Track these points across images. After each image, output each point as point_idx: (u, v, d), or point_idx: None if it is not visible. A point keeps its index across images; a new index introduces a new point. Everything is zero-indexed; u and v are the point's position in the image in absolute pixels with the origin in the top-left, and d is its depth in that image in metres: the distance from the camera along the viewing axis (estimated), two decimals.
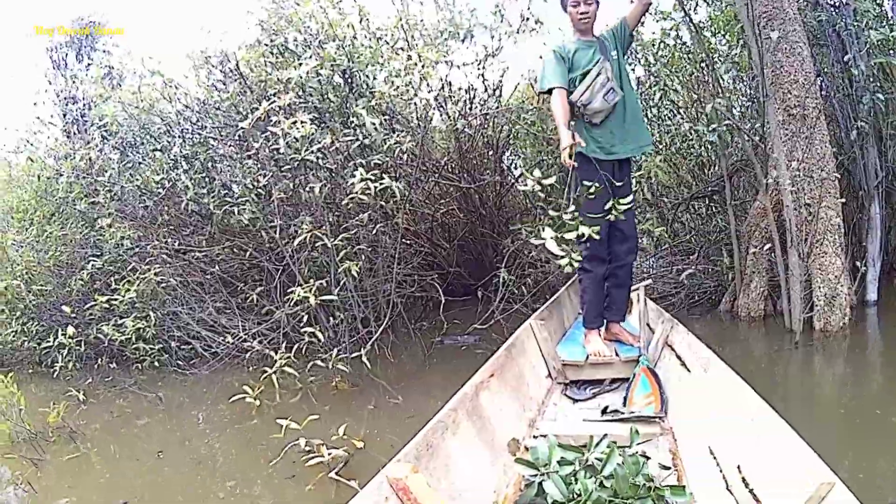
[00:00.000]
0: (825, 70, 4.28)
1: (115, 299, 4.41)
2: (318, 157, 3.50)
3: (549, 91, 2.82)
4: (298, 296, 3.51)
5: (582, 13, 2.86)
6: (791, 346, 3.63)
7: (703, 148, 4.25)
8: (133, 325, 4.41)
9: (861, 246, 4.36)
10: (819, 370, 3.50)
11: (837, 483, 1.28)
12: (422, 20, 4.31)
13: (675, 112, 4.64)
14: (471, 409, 2.08)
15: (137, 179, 4.69)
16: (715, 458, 1.80)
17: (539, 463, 1.66)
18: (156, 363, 4.58)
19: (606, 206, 2.81)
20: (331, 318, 3.80)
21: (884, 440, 2.44)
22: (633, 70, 4.53)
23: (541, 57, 3.10)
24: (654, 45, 4.60)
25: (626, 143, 2.93)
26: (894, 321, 4.09)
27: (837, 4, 4.23)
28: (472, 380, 2.25)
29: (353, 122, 3.57)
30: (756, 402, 1.83)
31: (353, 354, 3.60)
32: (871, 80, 4.07)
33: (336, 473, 2.54)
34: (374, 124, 3.35)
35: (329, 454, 2.58)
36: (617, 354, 2.89)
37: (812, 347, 3.65)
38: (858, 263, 3.99)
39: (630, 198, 2.94)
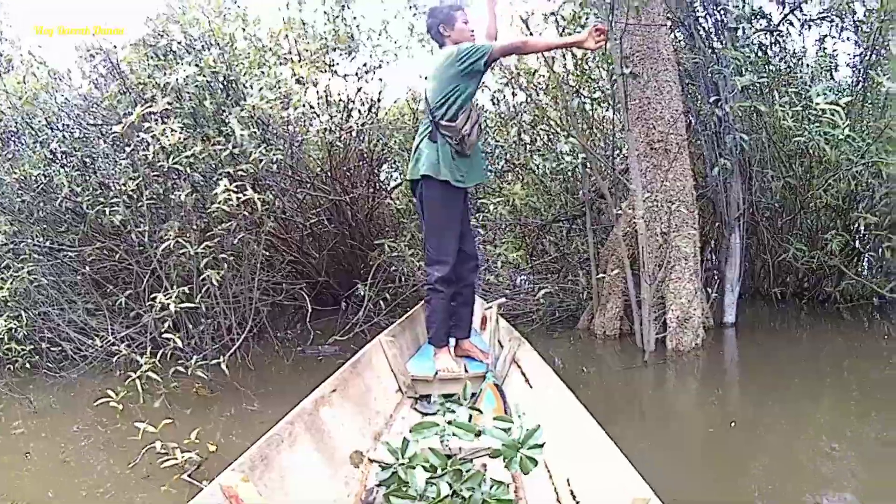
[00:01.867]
0: (698, 108, 4.56)
1: None
2: (186, 165, 3.46)
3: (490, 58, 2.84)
4: (159, 303, 3.46)
5: (472, 30, 3.01)
6: (641, 364, 3.83)
7: (568, 174, 4.44)
8: (5, 325, 4.23)
9: (721, 272, 4.65)
10: (664, 386, 3.72)
11: (653, 499, 1.34)
12: (312, 26, 4.31)
13: (549, 138, 4.83)
14: (309, 422, 2.09)
15: (16, 172, 4.50)
16: (549, 472, 1.90)
17: (398, 452, 1.67)
18: (27, 365, 4.41)
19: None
20: (195, 325, 3.76)
21: (713, 455, 2.64)
22: (514, 95, 4.70)
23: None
24: (532, 73, 4.78)
25: (481, 174, 3.12)
26: (748, 341, 4.38)
27: (714, 49, 4.50)
28: (312, 394, 2.26)
29: (225, 130, 3.55)
30: (587, 419, 1.94)
31: (214, 362, 3.61)
32: (738, 121, 4.35)
33: (189, 476, 2.59)
34: (243, 136, 3.34)
35: (182, 457, 2.63)
36: (466, 370, 2.98)
37: (663, 365, 3.87)
38: (711, 292, 4.24)
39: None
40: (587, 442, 1.84)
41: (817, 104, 3.36)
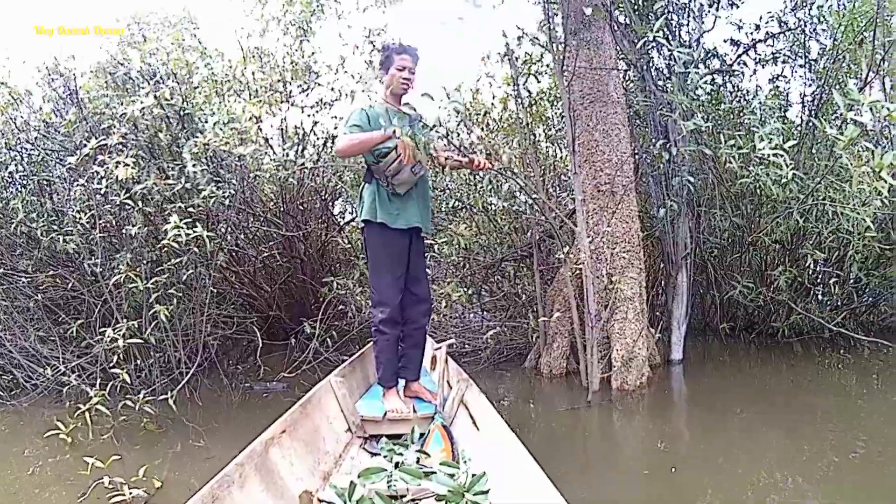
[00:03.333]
0: (647, 149, 4.69)
1: None
2: (139, 199, 3.49)
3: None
4: (108, 337, 3.48)
5: (405, 79, 2.93)
6: (585, 404, 3.92)
7: (515, 215, 4.54)
8: None
9: (668, 310, 4.78)
10: (608, 426, 3.77)
11: None
12: (272, 56, 4.35)
13: (499, 176, 4.89)
14: (259, 463, 2.13)
15: None
16: None
17: (344, 494, 1.71)
18: None
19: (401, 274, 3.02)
20: (145, 358, 3.77)
21: (656, 498, 2.68)
22: (469, 133, 4.78)
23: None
24: (484, 114, 4.88)
25: (423, 215, 3.08)
26: (694, 378, 4.48)
27: (664, 90, 4.63)
28: (262, 436, 2.29)
29: (179, 164, 3.58)
30: (531, 465, 1.99)
31: (162, 397, 3.63)
32: (687, 163, 4.49)
33: None
34: (195, 172, 3.38)
35: (130, 493, 2.69)
36: (415, 411, 3.01)
37: (608, 405, 3.95)
38: (652, 330, 4.34)
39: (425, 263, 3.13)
40: (530, 487, 1.89)
41: (761, 149, 3.48)
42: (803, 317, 5.10)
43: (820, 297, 5.56)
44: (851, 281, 5.26)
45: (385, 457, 2.59)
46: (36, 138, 4.49)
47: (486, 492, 1.59)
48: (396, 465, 1.77)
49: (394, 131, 2.59)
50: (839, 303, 5.38)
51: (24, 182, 4.39)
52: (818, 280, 5.44)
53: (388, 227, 2.94)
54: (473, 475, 1.63)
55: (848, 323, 5.05)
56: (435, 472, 1.69)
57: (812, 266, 5.33)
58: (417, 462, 2.26)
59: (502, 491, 1.88)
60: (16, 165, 4.33)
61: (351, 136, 2.78)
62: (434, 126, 2.92)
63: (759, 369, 4.75)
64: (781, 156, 3.57)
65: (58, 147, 4.37)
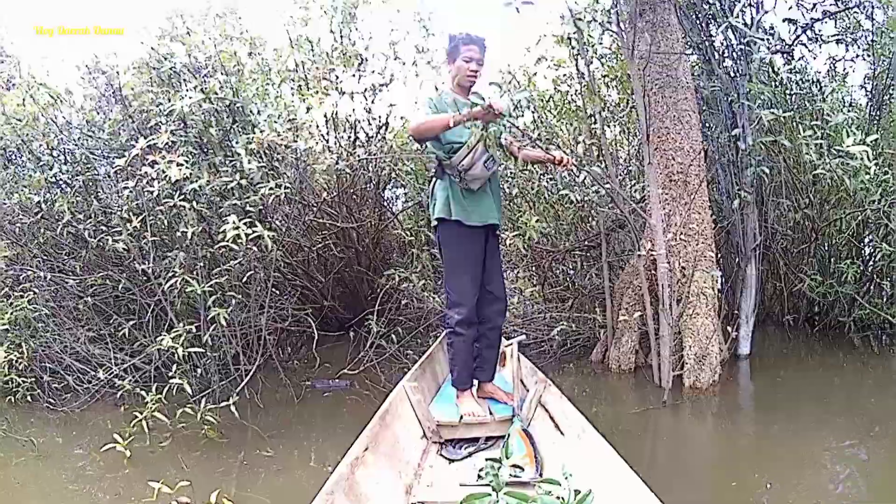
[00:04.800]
0: (714, 137, 4.46)
1: None
2: (191, 199, 3.35)
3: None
4: (166, 344, 3.37)
5: (472, 71, 2.81)
6: (659, 405, 3.74)
7: (583, 203, 4.35)
8: (6, 356, 4.12)
9: (737, 303, 4.57)
10: (687, 430, 3.61)
11: None
12: (318, 44, 4.19)
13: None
14: (347, 488, 2.04)
15: (15, 196, 4.38)
16: None
17: None
18: (28, 397, 4.29)
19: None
20: (199, 357, 3.66)
21: None
22: (522, 117, 4.59)
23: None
24: (544, 95, 4.67)
25: (498, 211, 2.95)
26: (764, 375, 4.30)
27: (733, 75, 4.40)
28: (347, 456, 2.19)
29: (232, 160, 3.44)
30: (625, 472, 1.88)
31: (223, 404, 3.50)
32: (757, 153, 4.27)
33: None
34: (251, 169, 3.23)
35: None
36: (491, 413, 2.90)
37: (681, 405, 3.77)
38: (728, 328, 4.16)
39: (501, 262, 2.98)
40: (627, 497, 1.77)
41: (847, 146, 3.28)
42: (867, 311, 4.88)
43: (884, 291, 5.33)
44: None
45: (485, 478, 2.46)
46: (79, 138, 4.39)
47: None
48: (506, 493, 1.61)
49: (466, 118, 2.44)
50: None
51: (70, 182, 4.29)
52: (884, 273, 5.20)
53: (463, 225, 2.81)
54: (577, 492, 1.49)
55: None
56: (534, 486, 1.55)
57: (878, 259, 5.10)
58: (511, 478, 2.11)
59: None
60: (59, 166, 4.23)
61: (427, 116, 2.66)
62: (505, 116, 2.74)
63: (821, 365, 4.54)
64: (864, 150, 3.37)
65: (102, 146, 4.25)
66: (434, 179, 2.93)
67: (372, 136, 4.76)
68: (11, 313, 4.13)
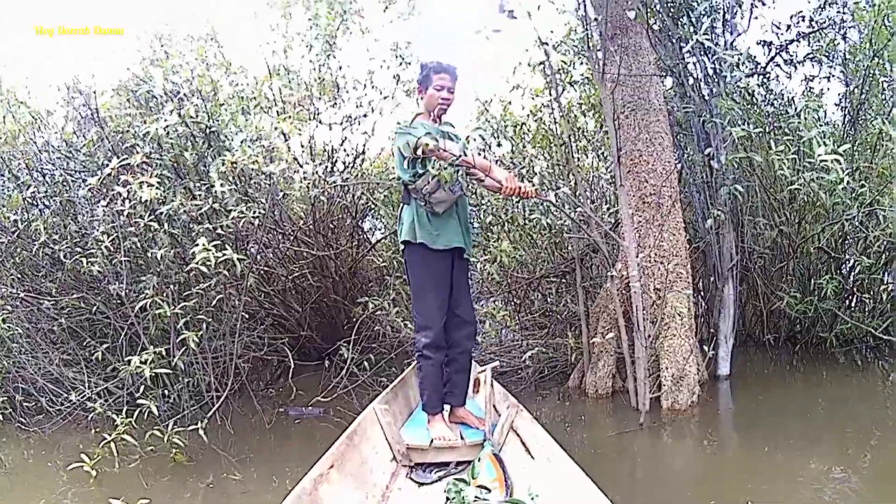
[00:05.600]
0: (688, 158, 4.50)
1: None
2: (165, 220, 3.35)
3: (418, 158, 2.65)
4: (134, 366, 3.34)
5: (444, 99, 2.86)
6: (637, 427, 3.71)
7: (556, 229, 4.36)
8: None
9: (715, 323, 4.56)
10: (666, 451, 3.58)
11: None
12: (297, 73, 4.24)
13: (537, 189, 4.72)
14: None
15: None
16: None
17: None
18: (0, 416, 4.25)
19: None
20: (173, 383, 3.62)
21: None
22: (499, 146, 4.63)
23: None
24: (518, 125, 4.71)
25: (464, 235, 2.95)
26: (744, 395, 4.27)
27: (705, 95, 4.45)
28: (310, 473, 2.15)
29: (206, 184, 3.45)
30: (596, 495, 1.84)
31: (192, 427, 3.47)
32: (732, 171, 4.29)
33: None
34: (223, 192, 3.24)
35: None
36: (462, 437, 2.88)
37: (660, 426, 3.75)
38: (706, 347, 4.14)
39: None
40: None
41: (819, 155, 3.30)
42: (848, 325, 4.87)
43: (864, 304, 5.33)
44: None
45: (451, 499, 2.43)
46: (57, 158, 4.39)
47: None
48: None
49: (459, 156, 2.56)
50: (887, 309, 5.14)
51: (47, 203, 4.29)
52: (865, 286, 5.21)
53: (428, 248, 2.82)
54: None
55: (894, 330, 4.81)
56: None
57: (857, 273, 5.12)
58: (476, 500, 2.08)
59: None
60: (37, 186, 4.24)
61: (438, 144, 2.64)
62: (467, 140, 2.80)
63: (803, 383, 4.52)
64: (837, 161, 3.39)
65: (80, 167, 4.26)
66: (402, 204, 2.95)
67: (348, 165, 4.78)
68: None
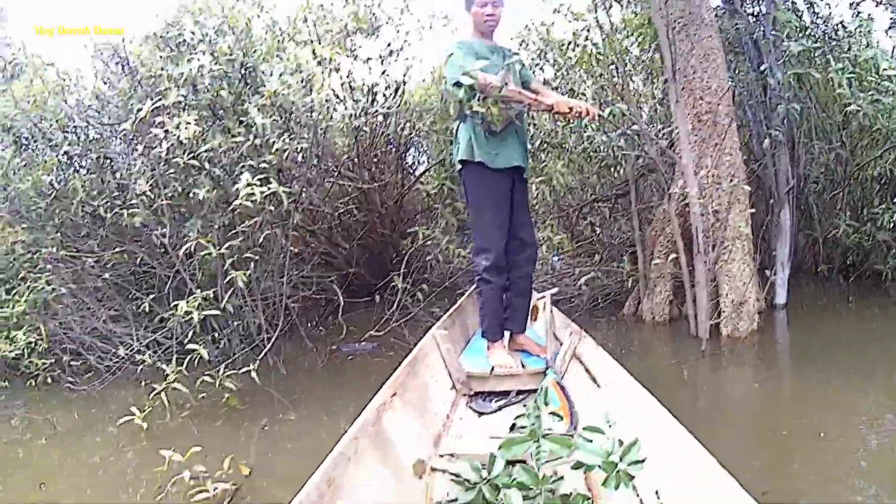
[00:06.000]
0: (740, 78, 4.28)
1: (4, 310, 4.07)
2: (205, 160, 3.26)
3: (461, 85, 2.54)
4: (181, 311, 3.27)
5: (489, 15, 2.75)
6: (698, 355, 3.59)
7: (609, 150, 4.19)
8: (25, 339, 4.08)
9: (771, 250, 4.39)
10: (728, 380, 3.46)
11: None
12: (330, 11, 4.09)
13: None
14: (373, 434, 1.93)
15: (29, 180, 4.33)
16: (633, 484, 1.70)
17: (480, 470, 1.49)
18: (48, 379, 4.25)
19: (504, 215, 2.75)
20: (223, 327, 3.57)
21: (794, 455, 2.40)
22: (542, 70, 4.44)
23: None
24: (563, 46, 4.52)
25: (523, 154, 2.84)
26: (802, 324, 4.14)
27: (756, 13, 4.23)
28: (374, 401, 2.08)
29: (245, 120, 3.34)
30: (670, 423, 1.73)
31: (243, 370, 3.40)
32: (787, 89, 4.09)
33: None
34: (264, 125, 3.13)
35: (215, 488, 2.39)
36: (523, 366, 2.78)
37: (720, 354, 3.62)
38: (768, 272, 3.99)
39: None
40: (675, 449, 1.63)
41: (884, 70, 3.10)
42: None
43: None
44: None
45: (526, 422, 2.33)
46: (89, 116, 4.32)
47: (643, 461, 1.32)
48: (544, 437, 1.48)
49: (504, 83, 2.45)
50: None
51: (83, 161, 4.23)
52: None
53: (487, 168, 2.70)
54: (623, 443, 1.35)
55: None
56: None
57: None
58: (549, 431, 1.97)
59: (654, 461, 1.62)
60: (70, 145, 4.17)
61: (482, 74, 2.52)
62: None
63: (868, 318, 4.29)
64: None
65: (114, 119, 4.18)
66: (458, 122, 2.82)
67: (388, 98, 4.65)
68: (29, 295, 4.08)
